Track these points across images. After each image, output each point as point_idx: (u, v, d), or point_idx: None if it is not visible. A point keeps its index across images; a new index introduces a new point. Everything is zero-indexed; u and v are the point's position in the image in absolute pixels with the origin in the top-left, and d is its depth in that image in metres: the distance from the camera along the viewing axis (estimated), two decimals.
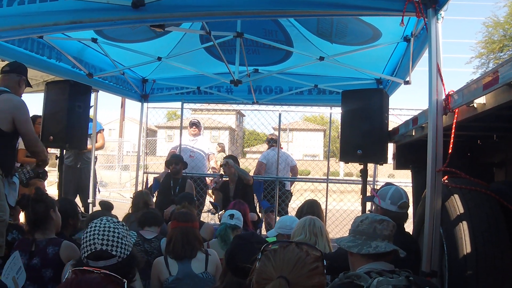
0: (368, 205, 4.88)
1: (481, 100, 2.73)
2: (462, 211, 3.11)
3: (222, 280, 2.72)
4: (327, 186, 8.59)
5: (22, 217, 5.04)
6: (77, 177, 7.27)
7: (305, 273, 1.49)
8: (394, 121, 6.39)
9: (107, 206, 4.67)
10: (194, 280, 3.55)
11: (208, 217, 9.60)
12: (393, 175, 16.53)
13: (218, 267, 3.70)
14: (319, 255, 1.66)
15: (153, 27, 3.60)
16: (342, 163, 19.44)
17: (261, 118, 9.67)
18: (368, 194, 5.33)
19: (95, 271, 1.99)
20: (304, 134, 44.04)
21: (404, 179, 8.49)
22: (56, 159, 6.05)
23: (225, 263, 2.75)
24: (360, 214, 8.79)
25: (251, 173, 8.52)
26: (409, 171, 5.46)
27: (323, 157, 43.19)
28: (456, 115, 3.11)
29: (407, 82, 5.57)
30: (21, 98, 4.48)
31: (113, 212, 4.58)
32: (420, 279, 2.25)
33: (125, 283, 1.97)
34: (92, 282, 1.80)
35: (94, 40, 5.75)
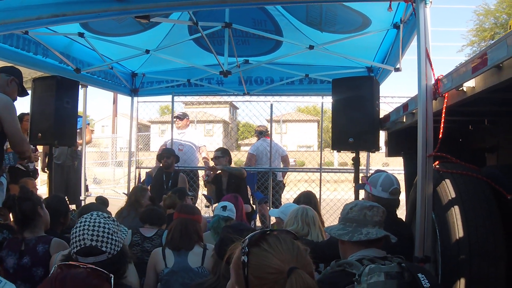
0: (362, 193, 4.85)
1: (470, 84, 2.70)
2: (454, 195, 3.10)
3: (215, 272, 2.70)
4: (321, 175, 8.58)
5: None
6: (66, 175, 7.22)
7: (305, 260, 1.46)
8: (385, 109, 6.36)
9: (103, 201, 4.64)
10: (189, 274, 3.53)
11: (202, 211, 9.56)
12: (387, 164, 16.57)
13: None
14: (295, 236, 1.63)
15: (138, 18, 3.54)
16: (336, 153, 19.49)
17: (253, 109, 9.65)
18: (360, 182, 5.32)
19: (81, 266, 1.95)
20: (297, 125, 44.02)
21: (398, 167, 8.48)
22: (46, 157, 5.98)
23: (216, 255, 2.73)
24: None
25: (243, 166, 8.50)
26: (397, 158, 5.45)
27: (317, 147, 43.23)
28: (445, 100, 3.09)
29: (397, 69, 5.54)
30: (9, 98, 4.38)
31: (108, 209, 4.52)
32: (412, 265, 2.22)
33: (112, 278, 1.92)
34: (77, 277, 1.76)
35: (81, 35, 5.69)
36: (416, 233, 3.18)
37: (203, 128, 37.55)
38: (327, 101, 8.52)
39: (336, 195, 9.62)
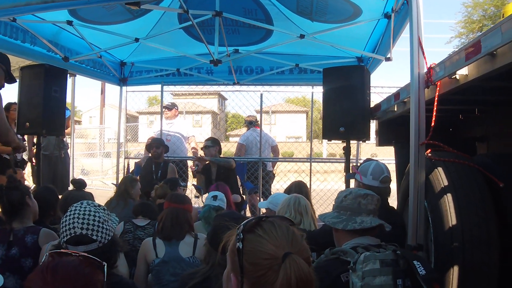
0: (352, 182, 4.86)
1: (463, 71, 2.71)
2: (446, 183, 3.11)
3: (208, 261, 2.68)
4: (311, 165, 8.60)
5: None
6: (53, 165, 7.15)
7: (301, 245, 1.43)
8: (374, 99, 6.36)
9: (80, 184, 4.36)
10: (180, 264, 3.50)
11: (191, 201, 9.52)
12: (375, 154, 16.64)
13: None
14: (294, 225, 1.61)
15: (128, 4, 3.48)
16: (325, 144, 19.51)
17: (243, 99, 9.59)
18: (351, 171, 5.33)
19: (73, 254, 1.92)
20: (286, 116, 44.03)
21: (386, 157, 8.53)
22: (34, 146, 5.88)
23: (209, 244, 2.72)
24: None
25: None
26: (391, 149, 5.46)
27: (306, 138, 43.35)
28: (438, 88, 3.09)
29: (388, 59, 5.53)
30: None
31: (97, 200, 4.39)
32: (407, 252, 2.23)
33: (105, 266, 1.90)
34: (69, 265, 1.73)
35: (69, 23, 5.61)
36: (408, 221, 3.19)
37: (191, 119, 37.44)
38: (317, 91, 8.55)
39: (326, 185, 9.65)
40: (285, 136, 40.34)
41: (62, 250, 2.04)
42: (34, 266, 3.13)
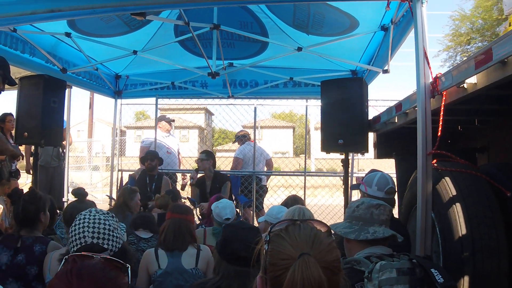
0: (354, 195, 4.84)
1: (472, 80, 2.72)
2: (454, 193, 3.10)
3: (218, 271, 2.64)
4: (305, 179, 8.60)
5: None
6: (50, 176, 7.08)
7: (324, 248, 1.41)
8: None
9: (82, 195, 4.21)
10: (183, 275, 3.45)
11: None
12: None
13: (209, 263, 3.59)
14: (328, 229, 1.60)
15: (134, 15, 3.48)
16: (313, 159, 19.56)
17: (230, 113, 9.59)
18: (355, 182, 5.31)
19: (94, 256, 1.86)
20: (272, 132, 44.08)
21: (384, 172, 8.54)
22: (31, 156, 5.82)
23: (218, 254, 2.67)
24: (334, 208, 8.79)
25: (228, 168, 8.47)
26: (386, 163, 5.46)
27: (292, 153, 43.43)
28: (444, 98, 3.10)
29: (385, 71, 5.56)
30: None
31: None
32: (423, 260, 2.21)
33: (129, 268, 1.85)
34: (94, 268, 1.65)
35: (67, 35, 5.62)
36: (416, 232, 3.17)
37: (178, 133, 37.41)
38: (311, 104, 8.56)
39: (317, 201, 9.65)
40: (272, 151, 40.31)
41: (82, 253, 1.98)
42: (39, 274, 3.11)
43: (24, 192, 3.51)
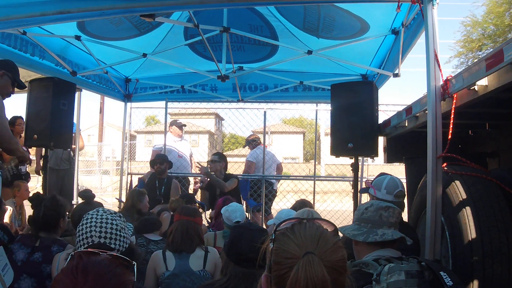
0: (364, 198, 4.80)
1: (483, 82, 2.69)
2: (464, 197, 3.07)
3: (225, 273, 2.62)
4: (314, 183, 8.56)
5: (7, 217, 4.88)
6: (61, 179, 7.10)
7: (330, 247, 1.39)
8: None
9: (89, 196, 4.36)
10: (191, 277, 3.43)
11: None
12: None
13: (217, 265, 3.58)
14: (335, 228, 1.59)
15: (143, 17, 3.48)
16: (323, 164, 19.48)
17: (240, 118, 9.57)
18: (364, 186, 5.28)
19: (100, 253, 1.86)
20: (283, 137, 44.04)
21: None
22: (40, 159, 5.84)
23: (226, 255, 2.66)
24: (343, 213, 8.73)
25: (238, 172, 8.45)
26: (396, 169, 5.42)
27: (303, 159, 43.34)
28: (454, 100, 3.07)
29: (396, 75, 5.53)
30: None
31: None
32: (433, 264, 2.18)
33: (134, 265, 1.84)
34: (100, 264, 1.65)
35: (77, 38, 5.65)
36: (426, 236, 3.14)
37: (189, 138, 37.53)
38: (321, 109, 8.53)
39: (326, 206, 9.61)
40: (282, 156, 40.19)
41: (89, 250, 1.98)
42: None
43: (45, 198, 3.54)
